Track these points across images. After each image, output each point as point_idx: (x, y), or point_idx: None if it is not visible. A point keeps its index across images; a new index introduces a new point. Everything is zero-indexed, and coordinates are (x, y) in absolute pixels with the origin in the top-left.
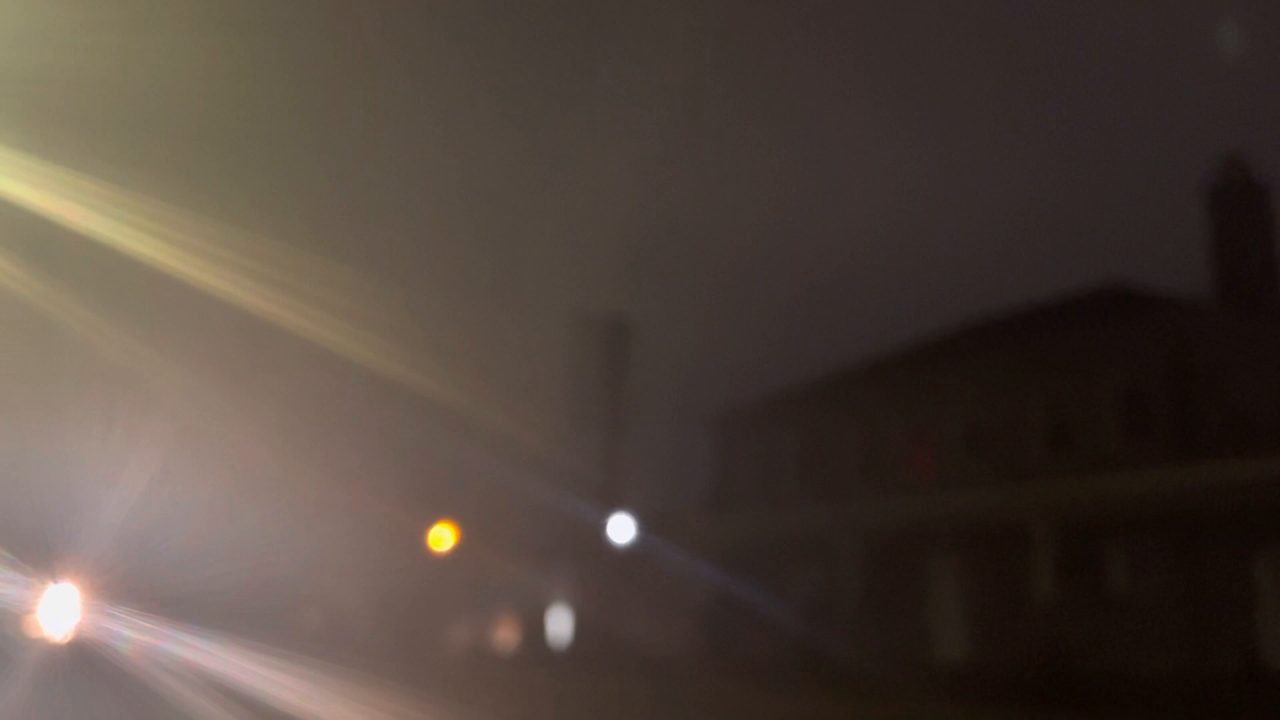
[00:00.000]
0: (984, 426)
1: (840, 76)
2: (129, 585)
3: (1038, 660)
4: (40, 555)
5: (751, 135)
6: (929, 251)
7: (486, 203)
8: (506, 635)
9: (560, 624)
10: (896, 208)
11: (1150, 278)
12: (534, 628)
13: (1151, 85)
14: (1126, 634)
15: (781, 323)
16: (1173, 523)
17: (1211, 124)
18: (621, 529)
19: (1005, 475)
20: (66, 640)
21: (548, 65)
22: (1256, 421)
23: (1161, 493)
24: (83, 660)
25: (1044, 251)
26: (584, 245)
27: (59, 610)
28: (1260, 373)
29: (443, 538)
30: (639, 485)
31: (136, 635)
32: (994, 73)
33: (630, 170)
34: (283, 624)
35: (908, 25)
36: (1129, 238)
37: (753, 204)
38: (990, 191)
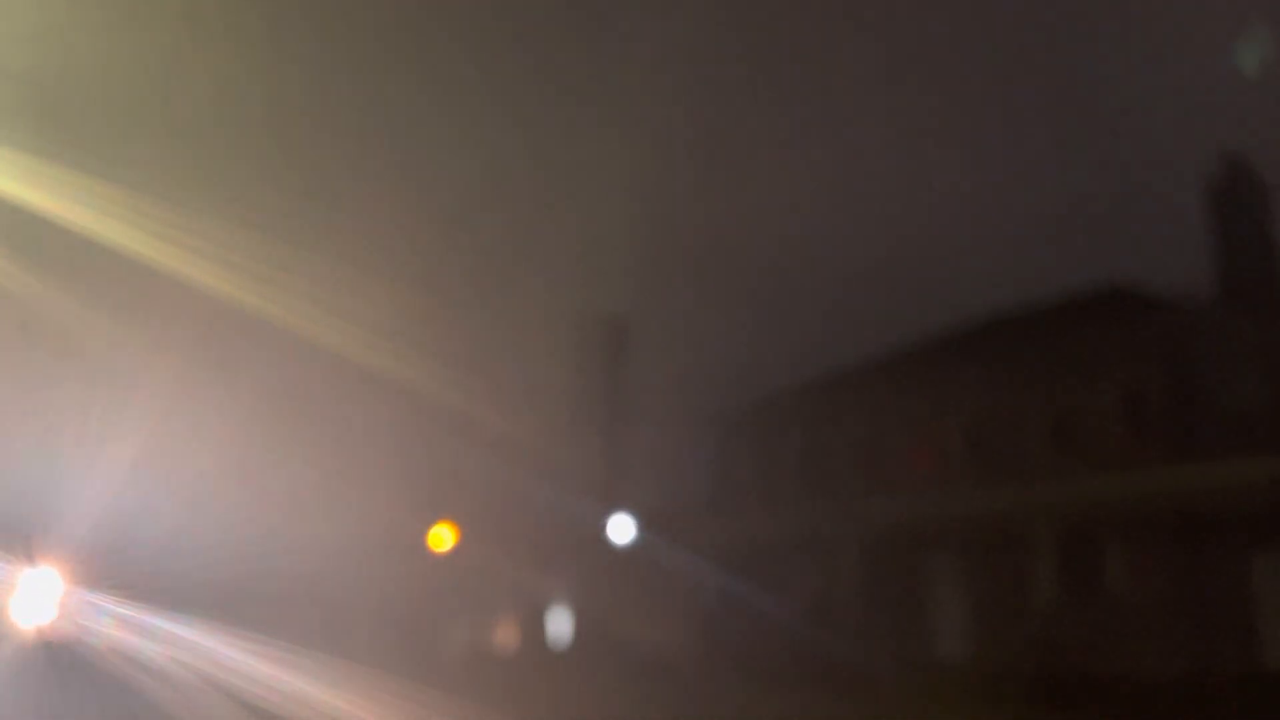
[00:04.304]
0: (984, 427)
1: (840, 76)
2: (111, 572)
3: (1038, 660)
4: (20, 541)
5: (751, 134)
6: (929, 251)
7: (486, 201)
8: (506, 635)
9: (560, 624)
10: (897, 207)
11: (1151, 278)
12: (534, 628)
13: (1153, 84)
14: (1126, 634)
15: (782, 322)
16: (1173, 523)
17: (1212, 124)
18: (621, 529)
19: (1005, 476)
20: (46, 627)
21: (548, 62)
22: (1256, 422)
23: (1161, 493)
24: (62, 647)
25: (1044, 251)
26: (584, 245)
27: (39, 597)
28: (1260, 373)
29: (443, 538)
30: (639, 485)
31: (116, 623)
32: (993, 72)
33: (631, 169)
34: (273, 619)
35: (905, 26)
36: (1129, 238)
37: (753, 203)
38: (991, 191)
